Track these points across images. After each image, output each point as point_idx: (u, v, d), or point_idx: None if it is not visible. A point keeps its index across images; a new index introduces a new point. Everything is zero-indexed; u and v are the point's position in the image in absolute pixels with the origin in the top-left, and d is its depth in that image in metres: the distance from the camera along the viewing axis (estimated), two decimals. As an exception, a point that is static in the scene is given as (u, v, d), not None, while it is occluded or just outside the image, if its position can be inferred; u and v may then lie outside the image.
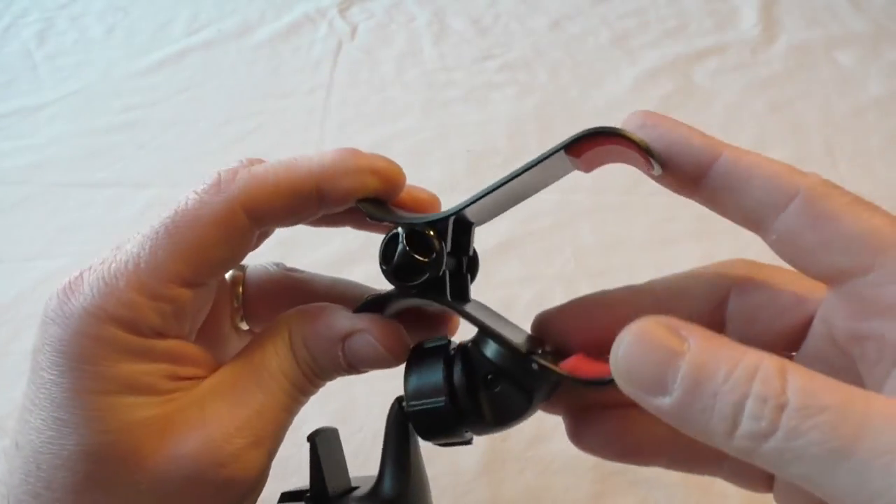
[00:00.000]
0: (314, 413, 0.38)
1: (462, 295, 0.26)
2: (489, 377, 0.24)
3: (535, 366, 0.23)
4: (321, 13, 0.74)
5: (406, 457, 0.26)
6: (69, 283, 0.23)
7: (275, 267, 0.29)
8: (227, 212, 0.23)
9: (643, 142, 0.21)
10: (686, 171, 0.21)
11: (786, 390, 0.16)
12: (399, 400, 0.26)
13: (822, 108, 0.63)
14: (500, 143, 0.60)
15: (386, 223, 0.25)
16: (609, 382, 0.20)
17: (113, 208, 0.55)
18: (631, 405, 0.23)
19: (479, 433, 0.25)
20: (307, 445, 0.26)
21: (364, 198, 0.25)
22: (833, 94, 0.64)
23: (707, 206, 0.23)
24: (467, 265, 0.26)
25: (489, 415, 0.24)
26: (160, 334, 0.23)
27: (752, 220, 0.21)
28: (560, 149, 0.22)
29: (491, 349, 0.24)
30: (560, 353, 0.25)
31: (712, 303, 0.24)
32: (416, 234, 0.24)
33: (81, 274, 0.23)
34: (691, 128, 0.21)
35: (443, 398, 0.24)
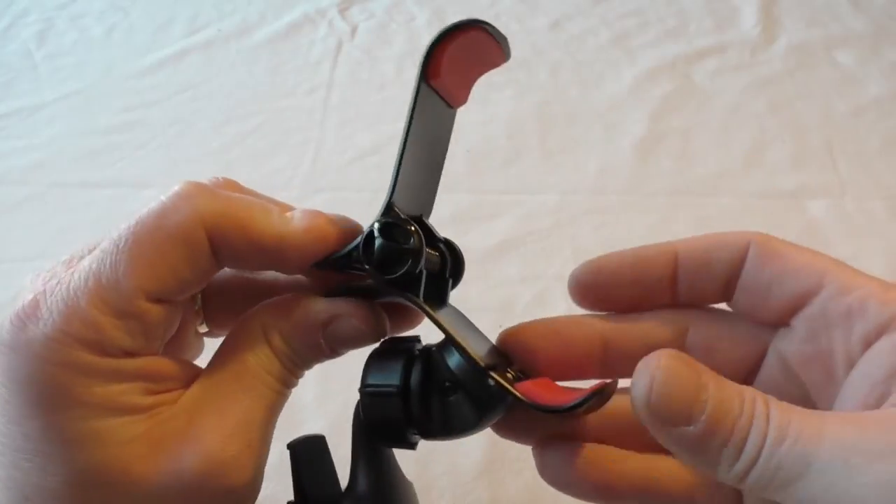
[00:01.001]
0: (314, 413, 0.38)
1: (440, 298, 0.26)
2: (446, 384, 0.24)
3: (491, 382, 0.23)
4: (321, 13, 0.74)
5: (375, 452, 0.26)
6: (22, 307, 0.21)
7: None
8: (190, 226, 0.22)
9: (489, 25, 0.22)
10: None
11: (770, 420, 0.18)
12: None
13: (822, 108, 0.63)
14: (500, 143, 0.60)
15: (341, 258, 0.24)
16: (563, 410, 0.20)
17: (113, 208, 0.55)
18: (601, 439, 0.25)
19: (425, 437, 0.25)
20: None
21: (325, 260, 0.24)
22: (833, 94, 0.64)
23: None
24: (451, 269, 0.26)
25: (437, 421, 0.24)
26: (130, 353, 0.22)
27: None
28: (420, 81, 0.22)
29: (454, 358, 0.24)
30: (525, 375, 0.24)
31: (677, 338, 0.25)
32: (388, 226, 0.23)
33: (35, 297, 0.21)
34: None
35: (394, 387, 0.24)
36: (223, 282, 0.27)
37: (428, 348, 0.25)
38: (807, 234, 0.52)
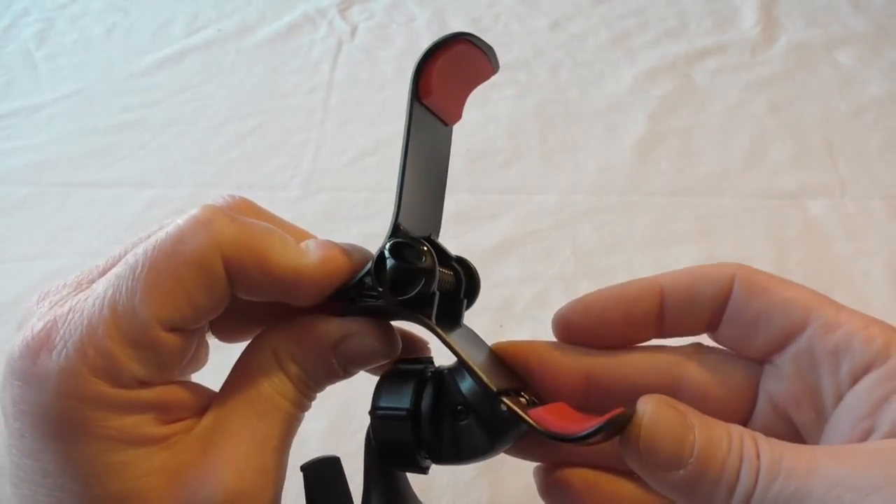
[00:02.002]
0: (314, 413, 0.38)
1: (454, 319, 0.25)
2: (458, 408, 0.24)
3: (503, 408, 0.22)
4: (321, 13, 0.74)
5: (387, 475, 0.26)
6: (34, 336, 0.20)
7: None
8: (208, 255, 0.21)
9: (473, 35, 0.21)
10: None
11: (760, 457, 0.19)
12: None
13: (822, 108, 0.63)
14: (500, 143, 0.60)
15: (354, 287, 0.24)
16: (575, 440, 0.20)
17: (113, 208, 0.55)
18: (600, 466, 0.25)
19: (436, 461, 0.25)
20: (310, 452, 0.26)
21: (339, 291, 0.24)
22: (833, 94, 0.64)
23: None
24: (465, 289, 0.25)
25: (447, 446, 0.24)
26: (144, 384, 0.21)
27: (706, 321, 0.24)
28: (412, 99, 0.22)
29: (466, 382, 0.24)
30: (540, 400, 0.24)
31: (664, 379, 0.25)
32: (399, 246, 0.23)
33: (46, 326, 0.20)
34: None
35: (404, 410, 0.24)
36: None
37: (440, 371, 0.25)
38: (807, 234, 0.52)
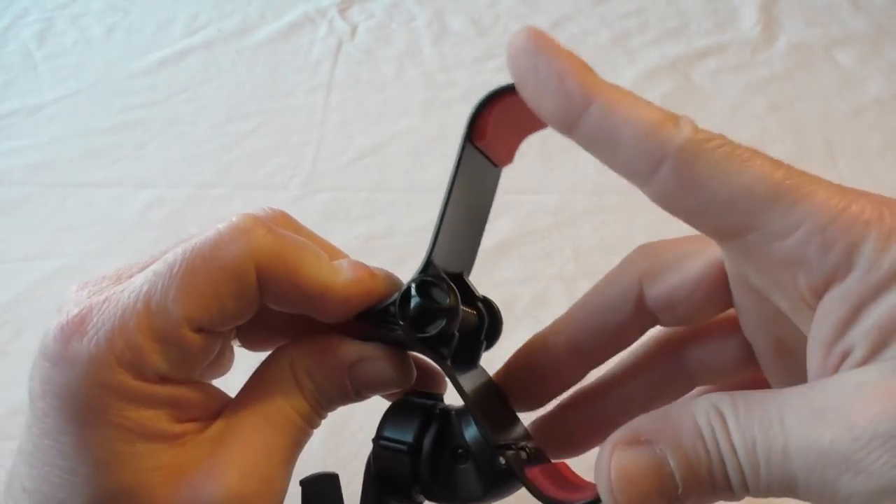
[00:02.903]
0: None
1: (471, 359, 0.25)
2: (459, 452, 0.24)
3: (501, 461, 0.23)
4: (321, 13, 0.74)
5: (383, 502, 0.26)
6: (69, 321, 0.21)
7: None
8: (243, 264, 0.22)
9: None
10: (554, 119, 0.19)
11: (729, 430, 0.17)
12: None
13: (822, 108, 0.63)
14: (500, 143, 0.60)
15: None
16: None
17: (113, 208, 0.55)
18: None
19: (429, 499, 0.25)
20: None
21: (365, 312, 0.24)
22: (833, 94, 0.64)
23: None
24: (487, 331, 0.26)
25: (443, 486, 0.24)
26: (164, 379, 0.22)
27: (628, 176, 0.19)
28: (465, 141, 0.22)
29: (471, 428, 0.24)
30: (542, 456, 0.24)
31: (630, 307, 0.24)
32: (426, 285, 0.23)
33: (82, 312, 0.21)
34: (571, 61, 0.19)
35: (406, 445, 0.24)
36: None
37: (448, 410, 0.25)
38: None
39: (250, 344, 0.27)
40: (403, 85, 0.66)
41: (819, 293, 0.18)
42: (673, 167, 0.18)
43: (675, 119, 0.18)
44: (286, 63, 0.69)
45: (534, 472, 0.22)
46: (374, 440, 0.25)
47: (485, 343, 0.26)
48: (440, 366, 0.24)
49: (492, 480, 0.24)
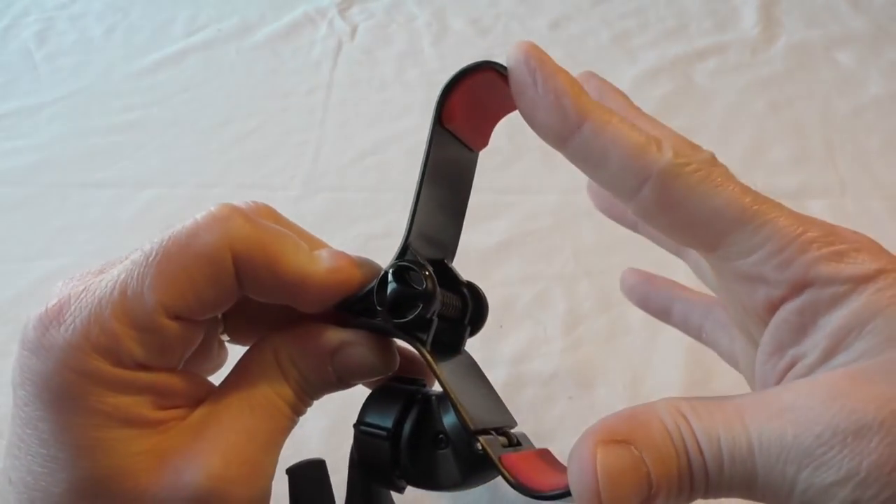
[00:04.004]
0: (314, 413, 0.38)
1: (455, 345, 0.25)
2: (439, 437, 0.24)
3: (478, 447, 0.22)
4: (321, 13, 0.74)
5: (368, 488, 0.26)
6: (47, 311, 0.22)
7: None
8: (218, 250, 0.22)
9: (498, 63, 0.21)
10: (547, 133, 0.21)
11: (702, 451, 0.18)
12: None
13: (822, 108, 0.63)
14: (500, 143, 0.59)
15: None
16: (540, 497, 0.20)
17: (113, 208, 0.55)
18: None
19: (410, 484, 0.25)
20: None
21: (345, 301, 0.24)
22: (833, 94, 0.64)
23: None
24: (471, 315, 0.26)
25: (422, 471, 0.24)
26: (143, 366, 0.22)
27: (613, 192, 0.21)
28: (434, 123, 0.22)
29: (450, 413, 0.24)
30: (521, 443, 0.24)
31: None
32: (403, 270, 0.23)
33: (60, 302, 0.22)
34: (569, 82, 0.21)
35: (386, 430, 0.24)
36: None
37: (429, 395, 0.25)
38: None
39: (237, 337, 0.27)
40: (403, 85, 0.66)
41: (774, 307, 0.20)
42: (654, 187, 0.20)
43: (658, 143, 0.20)
44: (286, 63, 0.69)
45: (510, 459, 0.22)
46: (356, 425, 0.25)
47: (469, 328, 0.26)
48: (418, 351, 0.23)
49: (469, 466, 0.24)
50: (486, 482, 0.25)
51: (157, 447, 0.22)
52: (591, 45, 0.70)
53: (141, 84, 0.67)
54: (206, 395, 0.24)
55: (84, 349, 0.21)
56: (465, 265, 0.27)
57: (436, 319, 0.24)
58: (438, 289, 0.23)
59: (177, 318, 0.22)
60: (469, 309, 0.26)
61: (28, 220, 0.55)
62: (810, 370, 0.19)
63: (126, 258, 0.23)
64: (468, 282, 0.26)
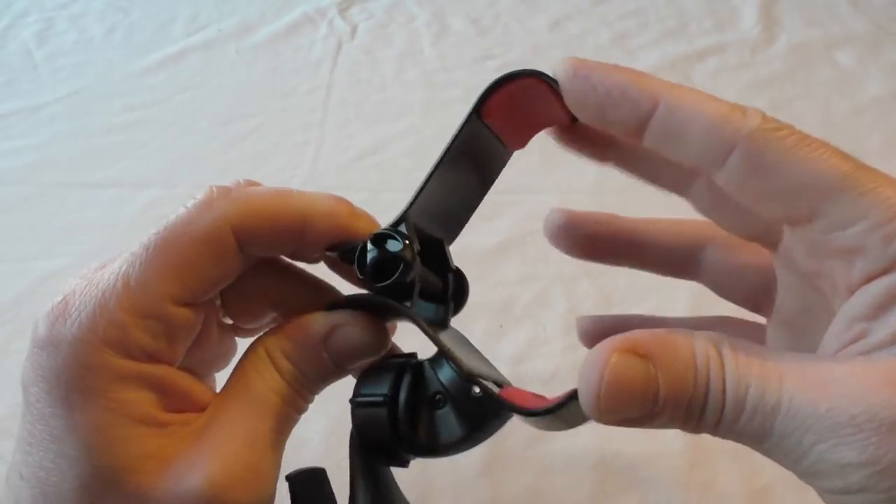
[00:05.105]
0: (315, 414, 0.38)
1: (441, 320, 0.25)
2: (437, 397, 0.24)
3: (476, 390, 0.23)
4: (321, 13, 0.74)
5: (371, 471, 0.26)
6: (53, 307, 0.22)
7: None
8: (216, 230, 0.23)
9: (550, 75, 0.21)
10: (625, 128, 0.20)
11: (725, 391, 0.18)
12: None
13: (822, 108, 0.63)
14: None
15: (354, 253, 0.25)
16: (543, 412, 0.20)
17: (113, 208, 0.55)
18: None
19: (413, 452, 0.25)
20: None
21: (337, 245, 0.25)
22: (833, 94, 0.64)
23: (641, 177, 0.24)
24: (454, 288, 0.26)
25: (424, 434, 0.24)
26: (151, 357, 0.22)
27: (700, 165, 0.20)
28: (472, 112, 0.22)
29: (444, 370, 0.24)
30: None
31: (687, 255, 0.25)
32: (381, 236, 0.24)
33: (65, 298, 0.22)
34: (628, 72, 0.21)
35: (382, 396, 0.24)
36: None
37: (420, 362, 0.25)
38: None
39: (238, 316, 0.27)
40: (403, 85, 0.66)
41: (870, 278, 0.18)
42: (743, 154, 0.19)
43: (742, 109, 0.20)
44: (286, 63, 0.69)
45: (508, 392, 0.22)
46: (351, 400, 0.25)
47: (452, 304, 0.26)
48: (405, 314, 0.24)
49: (470, 419, 0.24)
50: (489, 435, 0.24)
51: (161, 451, 0.22)
52: (591, 45, 0.70)
53: (141, 84, 0.67)
54: (210, 402, 0.24)
55: (92, 342, 0.21)
56: (465, 265, 0.27)
57: (418, 285, 0.24)
58: (417, 257, 0.24)
59: (180, 302, 0.22)
60: (451, 286, 0.26)
61: (28, 220, 0.55)
62: (873, 348, 0.18)
63: (125, 251, 0.23)
64: (456, 268, 0.26)
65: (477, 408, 0.23)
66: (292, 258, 0.26)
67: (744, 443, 0.18)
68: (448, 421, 0.24)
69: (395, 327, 0.29)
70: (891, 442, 0.16)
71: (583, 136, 0.24)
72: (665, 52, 0.69)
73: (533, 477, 0.39)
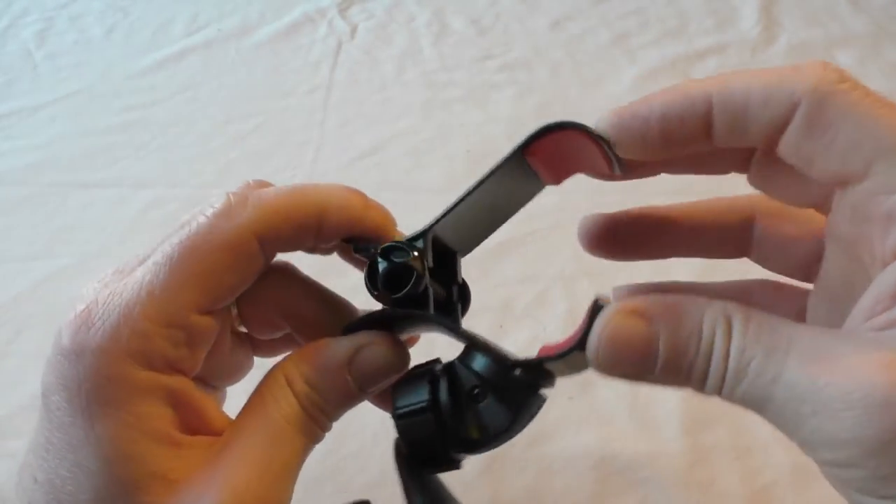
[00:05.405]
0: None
1: (454, 322, 0.26)
2: (475, 391, 0.24)
3: (517, 372, 0.23)
4: (321, 13, 0.74)
5: (425, 484, 0.25)
6: (76, 315, 0.22)
7: None
8: (240, 238, 0.23)
9: (596, 132, 0.21)
10: (692, 137, 0.21)
11: (729, 358, 0.19)
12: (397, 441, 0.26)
13: (822, 108, 0.63)
14: (500, 143, 0.60)
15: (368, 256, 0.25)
16: (570, 351, 0.21)
17: (113, 208, 0.55)
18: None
19: (467, 451, 0.25)
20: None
21: (352, 237, 0.25)
22: (833, 94, 0.64)
23: (696, 171, 0.24)
24: (458, 295, 0.26)
25: (474, 430, 0.24)
26: (171, 366, 0.22)
27: (766, 137, 0.20)
28: (517, 150, 0.22)
29: (477, 361, 0.24)
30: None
31: (737, 232, 0.25)
32: (392, 249, 0.24)
33: (88, 306, 0.22)
34: (667, 91, 0.21)
35: (424, 402, 0.24)
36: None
37: (449, 363, 0.25)
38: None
39: (252, 324, 0.27)
40: (403, 85, 0.66)
41: None
42: (806, 111, 0.19)
43: (796, 68, 0.20)
44: (286, 63, 0.69)
45: (545, 349, 0.23)
46: (393, 415, 0.25)
47: (460, 305, 0.26)
48: (428, 319, 0.24)
49: (514, 401, 0.24)
50: (534, 415, 0.25)
51: (172, 473, 0.22)
52: (591, 45, 0.70)
53: (141, 84, 0.67)
54: (222, 424, 0.24)
55: (115, 352, 0.21)
56: (465, 265, 0.27)
57: (431, 292, 0.24)
58: (425, 266, 0.24)
59: (203, 310, 0.23)
60: (454, 298, 0.26)
61: (28, 220, 0.55)
62: (891, 326, 0.18)
63: (146, 259, 0.23)
64: (462, 280, 0.26)
65: (517, 389, 0.24)
66: (307, 251, 0.26)
67: (747, 408, 0.19)
68: (493, 410, 0.24)
69: (416, 339, 0.29)
70: (881, 422, 0.16)
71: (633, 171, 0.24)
72: (665, 52, 0.69)
73: (533, 477, 0.39)
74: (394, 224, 0.26)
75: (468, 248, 0.27)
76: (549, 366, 0.22)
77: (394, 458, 0.26)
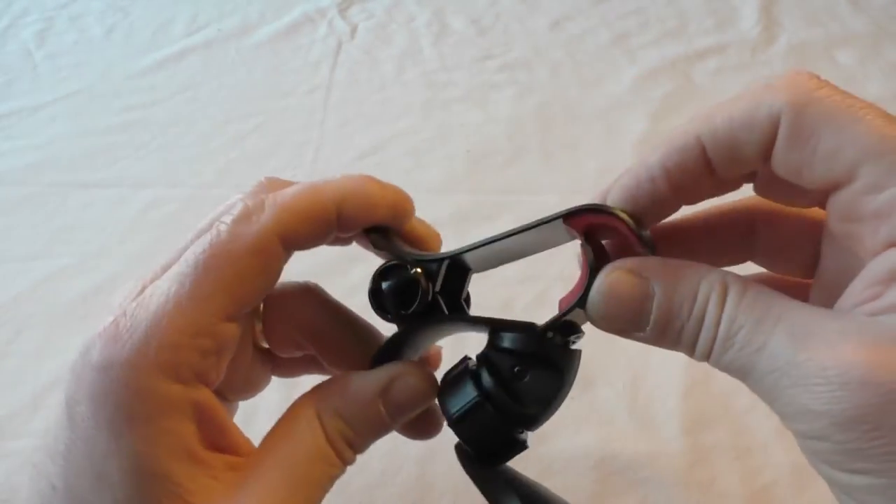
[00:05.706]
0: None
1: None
2: (516, 370, 0.24)
3: (550, 334, 0.23)
4: (321, 13, 0.74)
5: (507, 481, 0.25)
6: (105, 328, 0.22)
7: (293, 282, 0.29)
8: (263, 241, 0.23)
9: (630, 221, 0.22)
10: (695, 171, 0.22)
11: (720, 324, 0.19)
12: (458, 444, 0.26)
13: (822, 108, 0.63)
14: (500, 143, 0.60)
15: (389, 253, 0.26)
16: (567, 311, 0.23)
17: (113, 208, 0.55)
18: None
19: (531, 426, 0.25)
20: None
21: (373, 226, 0.26)
22: (833, 94, 0.64)
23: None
24: (463, 301, 0.27)
25: (531, 405, 0.24)
26: (198, 376, 0.22)
27: (755, 156, 0.21)
28: (558, 217, 0.23)
29: (508, 341, 0.25)
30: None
31: (740, 236, 0.25)
32: (387, 270, 0.25)
33: (116, 319, 0.22)
34: (648, 155, 0.22)
35: (476, 396, 0.24)
36: (280, 295, 0.27)
37: (480, 355, 0.26)
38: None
39: (274, 339, 0.28)
40: (403, 85, 0.66)
41: (891, 247, 0.19)
42: (786, 123, 0.19)
43: (768, 86, 0.20)
44: (286, 63, 0.69)
45: (564, 300, 0.24)
46: (448, 421, 0.25)
47: (465, 305, 0.27)
48: (448, 320, 0.25)
49: (556, 363, 0.24)
50: (577, 370, 0.25)
51: (192, 496, 0.22)
52: (591, 45, 0.70)
53: (141, 84, 0.67)
54: (247, 453, 0.24)
55: (143, 366, 0.21)
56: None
57: (440, 298, 0.25)
58: (422, 280, 0.25)
59: (230, 317, 0.23)
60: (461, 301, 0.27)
61: (28, 220, 0.55)
62: (879, 312, 0.18)
63: (167, 267, 0.23)
64: (467, 293, 0.27)
65: (554, 352, 0.24)
66: (329, 244, 0.26)
67: (732, 375, 0.20)
68: (541, 380, 0.24)
69: (440, 354, 0.29)
70: (852, 398, 0.17)
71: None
72: (665, 52, 0.69)
73: (533, 477, 0.38)
74: (411, 204, 0.27)
75: (483, 269, 0.27)
76: (572, 317, 0.23)
77: (461, 465, 0.26)
